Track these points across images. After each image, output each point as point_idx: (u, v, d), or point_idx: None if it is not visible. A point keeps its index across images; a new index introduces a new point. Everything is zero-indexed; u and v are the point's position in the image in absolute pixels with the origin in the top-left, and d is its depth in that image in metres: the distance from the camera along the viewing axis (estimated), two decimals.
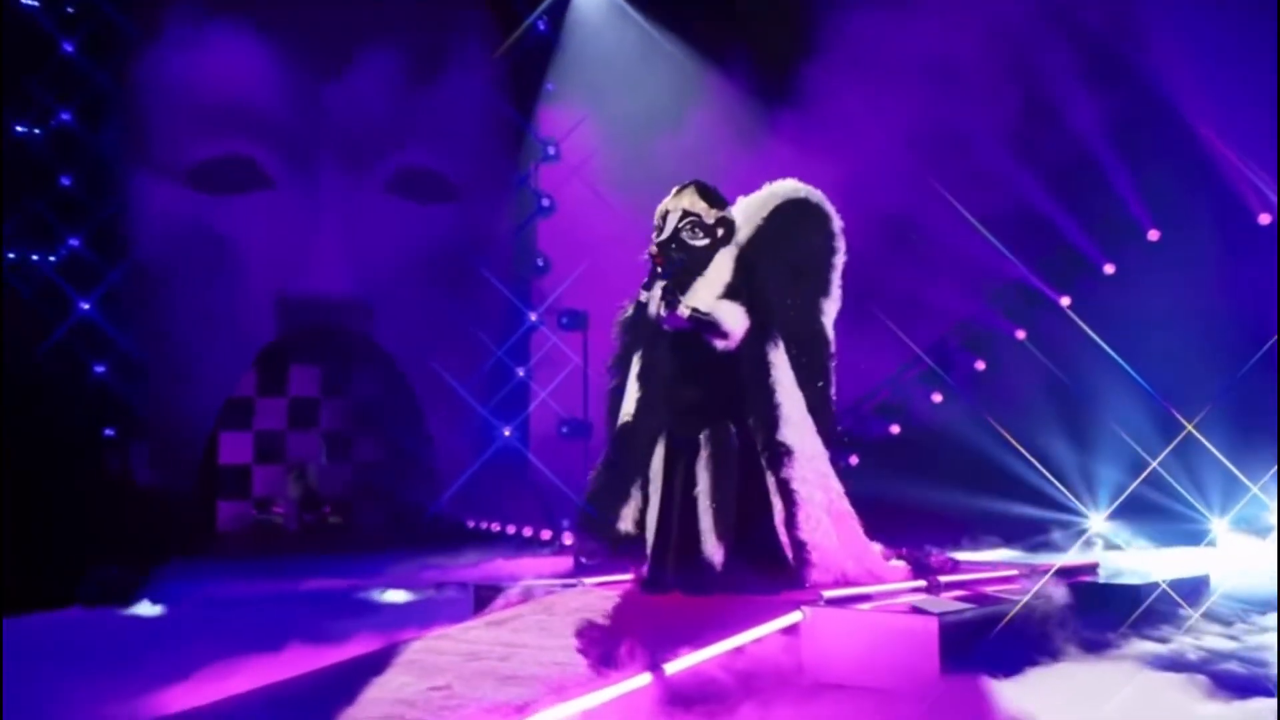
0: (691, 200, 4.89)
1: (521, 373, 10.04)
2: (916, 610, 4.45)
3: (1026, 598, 4.78)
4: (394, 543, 8.91)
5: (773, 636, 4.33)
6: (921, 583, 4.96)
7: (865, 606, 4.56)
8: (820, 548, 4.71)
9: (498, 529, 9.28)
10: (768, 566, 4.71)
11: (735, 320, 4.78)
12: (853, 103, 8.77)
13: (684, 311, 4.70)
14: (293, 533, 9.92)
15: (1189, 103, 8.27)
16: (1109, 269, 8.80)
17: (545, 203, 10.24)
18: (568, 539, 8.46)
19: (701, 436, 4.75)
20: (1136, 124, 8.46)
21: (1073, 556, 6.47)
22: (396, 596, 6.72)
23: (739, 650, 4.20)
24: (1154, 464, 7.11)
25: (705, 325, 4.76)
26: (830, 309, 5.08)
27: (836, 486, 4.87)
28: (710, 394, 4.82)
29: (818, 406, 4.90)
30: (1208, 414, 7.21)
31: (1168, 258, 8.48)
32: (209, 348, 9.53)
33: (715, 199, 4.93)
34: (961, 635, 4.34)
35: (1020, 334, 8.79)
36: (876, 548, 5.08)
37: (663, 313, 4.70)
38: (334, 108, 9.87)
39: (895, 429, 8.83)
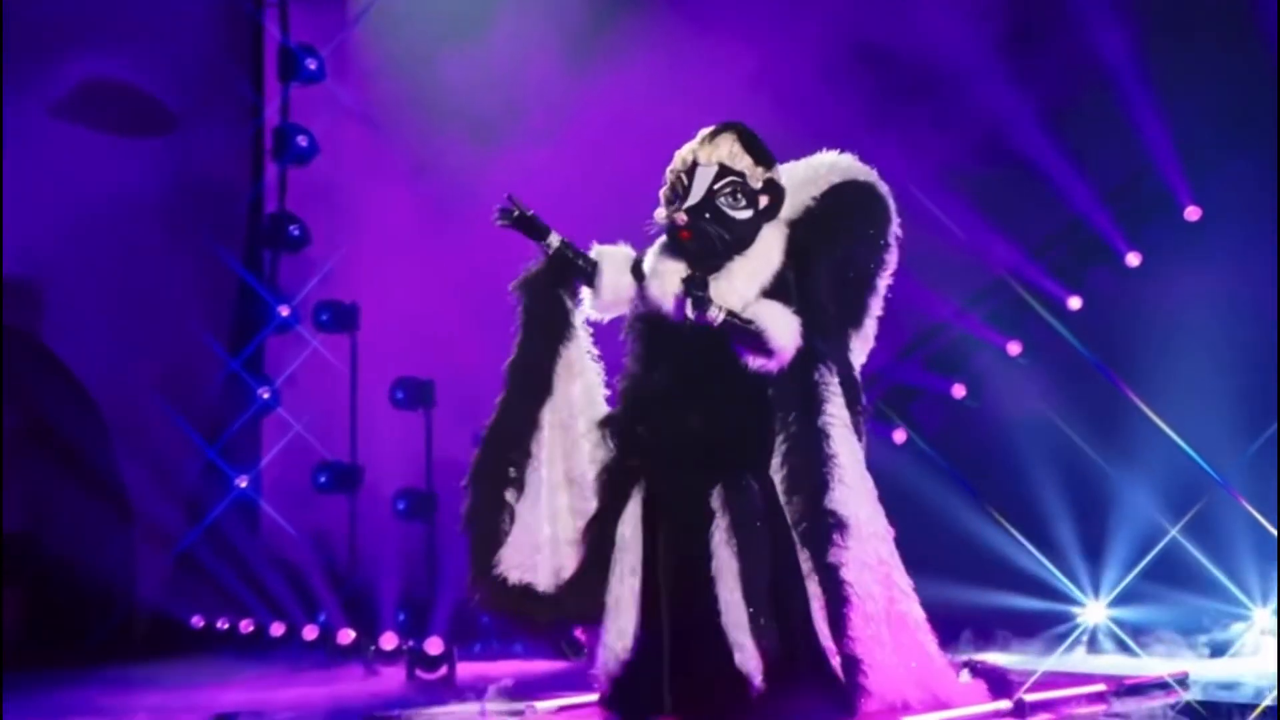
0: (732, 152, 4.55)
1: (265, 394, 8.77)
2: None
3: None
4: (50, 656, 7.62)
5: None
6: (1004, 703, 4.80)
7: None
8: (877, 665, 4.38)
9: (249, 628, 8.14)
10: (804, 686, 4.40)
11: (787, 333, 4.46)
12: (750, 5, 8.09)
13: (716, 316, 4.37)
14: None
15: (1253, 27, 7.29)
16: (1133, 259, 7.79)
17: (302, 141, 8.84)
18: (388, 643, 7.50)
19: (714, 497, 4.43)
20: (1173, 56, 7.48)
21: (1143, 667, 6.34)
22: None
23: None
24: (1173, 531, 6.95)
25: (744, 335, 4.45)
26: (859, 347, 4.68)
27: (902, 581, 4.54)
28: (723, 431, 4.52)
29: None
30: (1246, 463, 7.00)
31: (1212, 245, 7.48)
32: None
33: (763, 153, 4.60)
34: None
35: (1012, 348, 7.95)
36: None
37: (690, 313, 4.40)
38: None
39: None
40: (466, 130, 8.00)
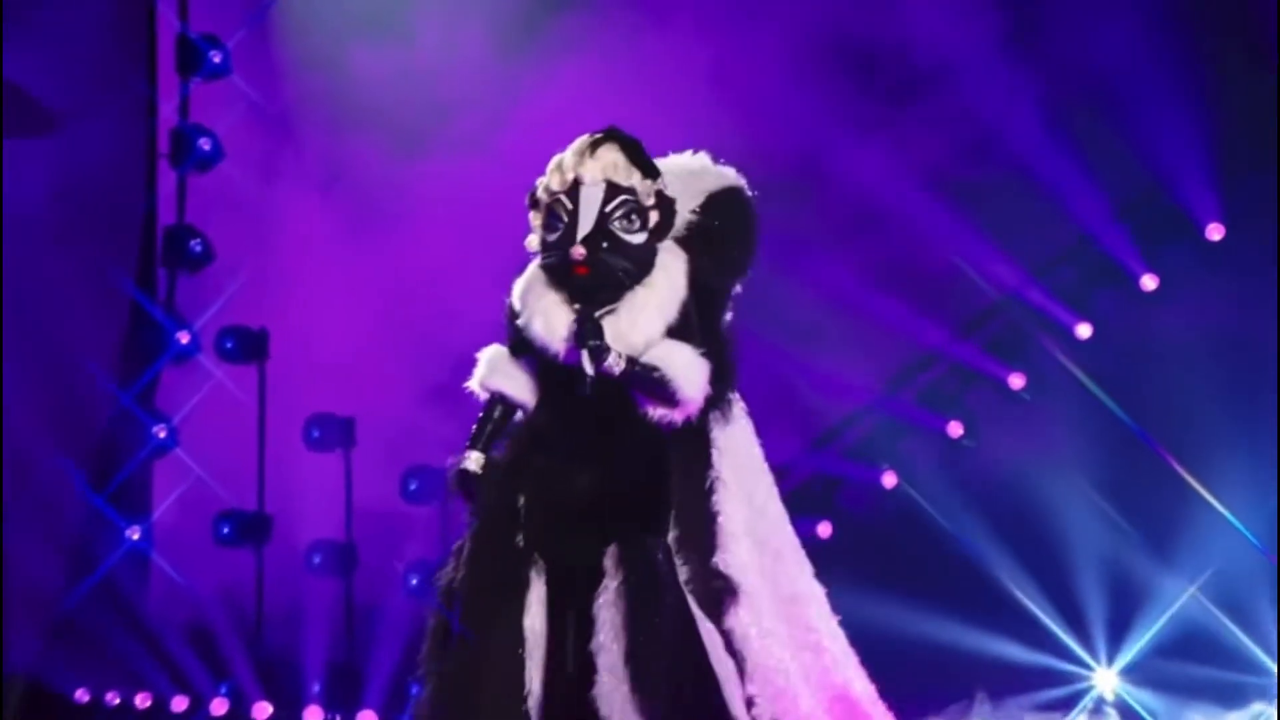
0: (618, 165, 4.19)
1: (161, 432, 8.45)
2: None
3: None
4: None
5: None
6: None
7: None
8: None
9: (146, 703, 7.87)
10: None
11: (696, 381, 4.15)
12: None
13: (617, 364, 4.08)
14: None
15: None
16: (1149, 282, 7.66)
17: (204, 144, 8.55)
18: (312, 718, 7.56)
19: (607, 558, 4.11)
20: (1197, 55, 7.39)
21: None
22: None
23: None
24: (1192, 589, 6.97)
25: (646, 384, 4.14)
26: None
27: (837, 648, 4.26)
28: (621, 487, 4.21)
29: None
30: (1271, 513, 6.94)
31: (1237, 267, 7.45)
32: None
33: (648, 163, 4.25)
34: None
35: (1014, 381, 7.86)
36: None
37: (587, 367, 4.12)
38: None
39: (823, 529, 8.04)
40: (390, 134, 7.92)
